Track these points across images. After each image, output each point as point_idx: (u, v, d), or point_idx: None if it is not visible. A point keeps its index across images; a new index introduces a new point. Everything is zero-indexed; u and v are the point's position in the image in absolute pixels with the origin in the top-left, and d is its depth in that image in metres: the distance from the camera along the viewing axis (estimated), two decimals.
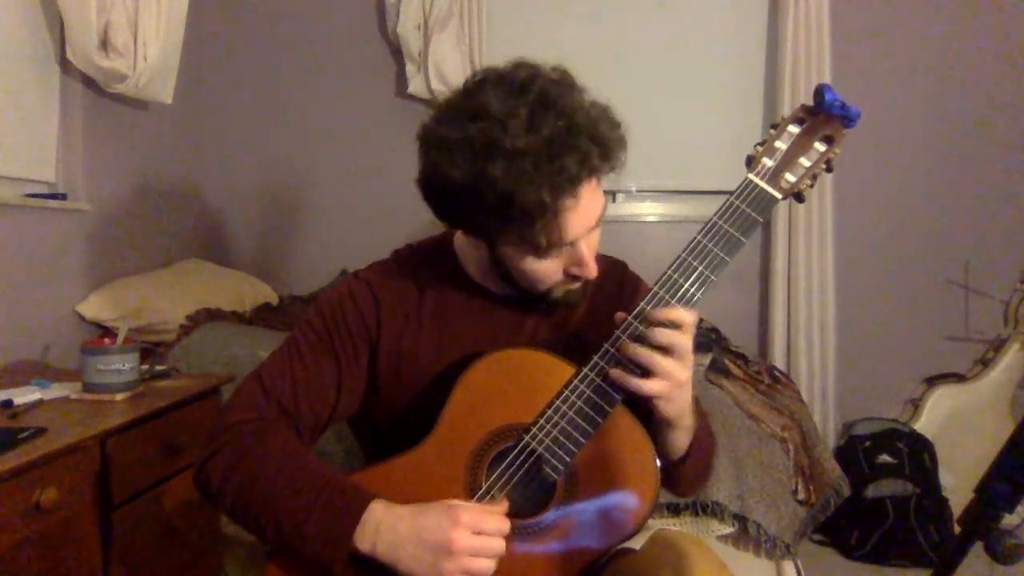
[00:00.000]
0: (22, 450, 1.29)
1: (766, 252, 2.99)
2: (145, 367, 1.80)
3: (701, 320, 2.79)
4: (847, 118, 1.01)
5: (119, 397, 1.64)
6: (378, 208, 3.10)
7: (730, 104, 3.05)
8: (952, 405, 2.86)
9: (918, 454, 2.59)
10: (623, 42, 3.04)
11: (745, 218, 0.99)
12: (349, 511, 0.91)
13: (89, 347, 1.66)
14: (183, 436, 1.69)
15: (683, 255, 0.99)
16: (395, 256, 1.14)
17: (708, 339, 2.63)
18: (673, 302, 0.97)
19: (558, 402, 0.97)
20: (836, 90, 1.01)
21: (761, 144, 1.03)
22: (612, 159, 0.94)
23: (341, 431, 1.77)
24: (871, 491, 2.54)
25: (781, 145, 1.02)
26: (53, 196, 2.29)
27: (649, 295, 0.97)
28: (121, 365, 1.66)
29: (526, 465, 0.97)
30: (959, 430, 2.81)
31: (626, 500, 0.99)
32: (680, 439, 1.01)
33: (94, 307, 2.33)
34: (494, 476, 0.97)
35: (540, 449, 0.96)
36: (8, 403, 1.55)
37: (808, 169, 1.02)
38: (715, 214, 1.00)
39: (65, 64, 2.31)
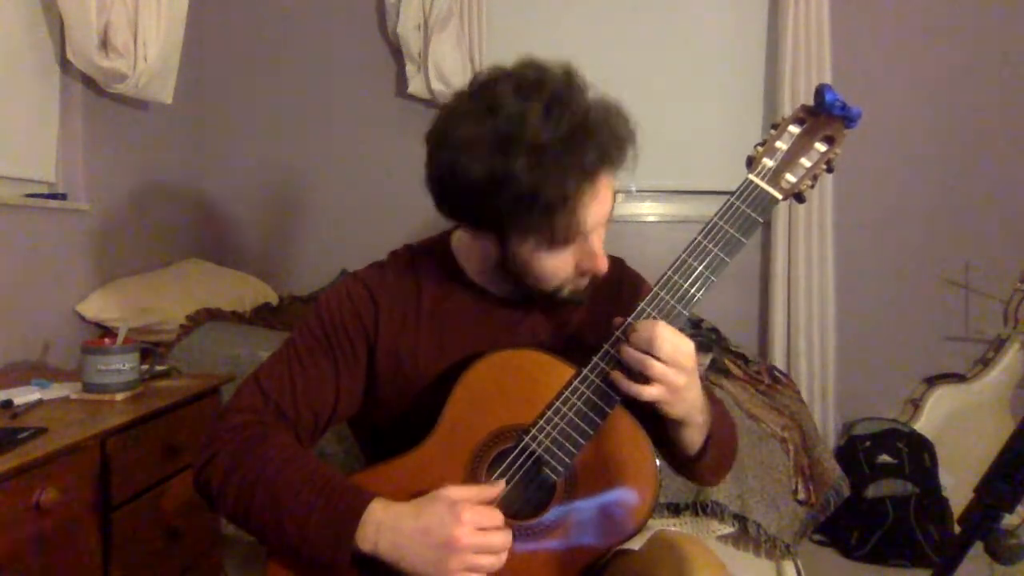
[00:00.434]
0: (22, 450, 1.28)
1: (766, 252, 2.99)
2: (145, 367, 1.80)
3: (701, 320, 2.80)
4: (848, 118, 1.01)
5: (119, 397, 1.64)
6: (378, 208, 3.10)
7: (730, 104, 3.05)
8: (952, 405, 2.86)
9: (918, 454, 2.59)
10: (623, 42, 3.04)
11: (745, 218, 0.99)
12: (350, 511, 0.91)
13: (89, 347, 1.66)
14: (183, 436, 1.69)
15: (683, 255, 0.99)
16: (393, 257, 1.14)
17: (708, 339, 2.63)
18: (673, 303, 0.97)
19: (558, 403, 0.96)
20: (836, 90, 1.00)
21: (761, 144, 1.03)
22: (627, 151, 0.96)
23: (341, 432, 1.77)
24: (871, 491, 2.54)
25: (782, 145, 1.02)
26: (53, 196, 2.29)
27: (649, 296, 0.97)
28: (121, 365, 1.65)
29: (526, 466, 0.97)
30: (959, 430, 2.81)
31: (626, 500, 0.99)
32: (694, 436, 1.01)
33: (94, 307, 2.33)
34: (494, 477, 0.97)
35: (540, 450, 0.96)
36: (8, 403, 1.55)
37: (809, 169, 1.01)
38: (715, 214, 0.99)
39: (65, 64, 2.31)
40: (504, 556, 0.91)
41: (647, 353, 0.91)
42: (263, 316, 2.68)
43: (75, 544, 1.38)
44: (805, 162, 1.01)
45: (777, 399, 2.32)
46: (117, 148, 2.58)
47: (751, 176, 1.01)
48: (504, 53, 1.00)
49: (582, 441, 0.95)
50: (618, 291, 1.13)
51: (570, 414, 0.96)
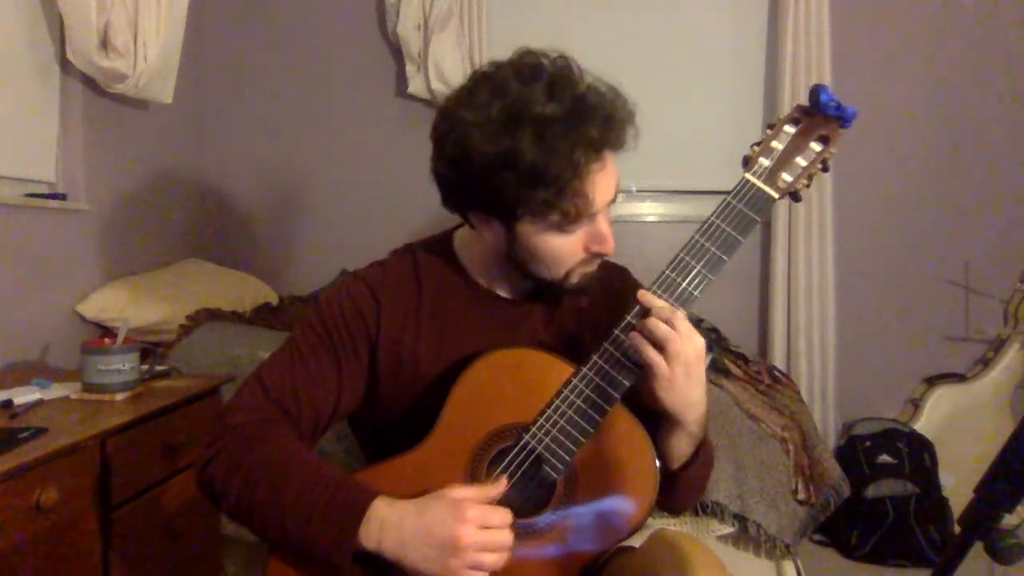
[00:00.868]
0: (22, 450, 1.29)
1: (766, 252, 2.98)
2: (145, 367, 1.80)
3: (701, 320, 2.79)
4: (843, 118, 1.02)
5: (119, 397, 1.64)
6: (378, 208, 3.10)
7: (730, 104, 3.04)
8: (952, 405, 2.86)
9: (918, 454, 2.59)
10: (623, 42, 3.04)
11: (742, 217, 0.99)
12: (353, 509, 0.91)
13: (89, 347, 1.67)
14: (183, 436, 1.69)
15: (681, 254, 0.99)
16: (394, 255, 1.14)
17: (708, 339, 2.63)
18: (671, 301, 0.97)
19: (557, 401, 0.97)
20: (836, 90, 1.01)
21: (758, 144, 1.03)
22: (627, 130, 0.97)
23: (341, 431, 1.77)
24: (871, 491, 2.54)
25: (777, 145, 1.02)
26: (53, 196, 2.29)
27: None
28: (121, 365, 1.66)
29: (526, 464, 0.97)
30: (959, 430, 2.81)
31: (626, 499, 0.99)
32: (682, 443, 1.01)
33: (94, 307, 2.33)
34: (494, 476, 0.97)
35: (540, 448, 0.96)
36: (8, 403, 1.55)
37: (804, 169, 1.02)
38: (712, 213, 1.00)
39: (65, 64, 2.31)
40: (507, 554, 0.91)
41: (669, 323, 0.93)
42: (263, 316, 2.68)
43: (75, 544, 1.38)
44: (801, 161, 1.02)
45: (777, 399, 2.32)
46: (117, 148, 2.58)
47: (747, 175, 1.01)
48: (504, 53, 1.01)
49: (582, 439, 0.96)
50: (621, 297, 1.12)
51: (570, 412, 0.96)
